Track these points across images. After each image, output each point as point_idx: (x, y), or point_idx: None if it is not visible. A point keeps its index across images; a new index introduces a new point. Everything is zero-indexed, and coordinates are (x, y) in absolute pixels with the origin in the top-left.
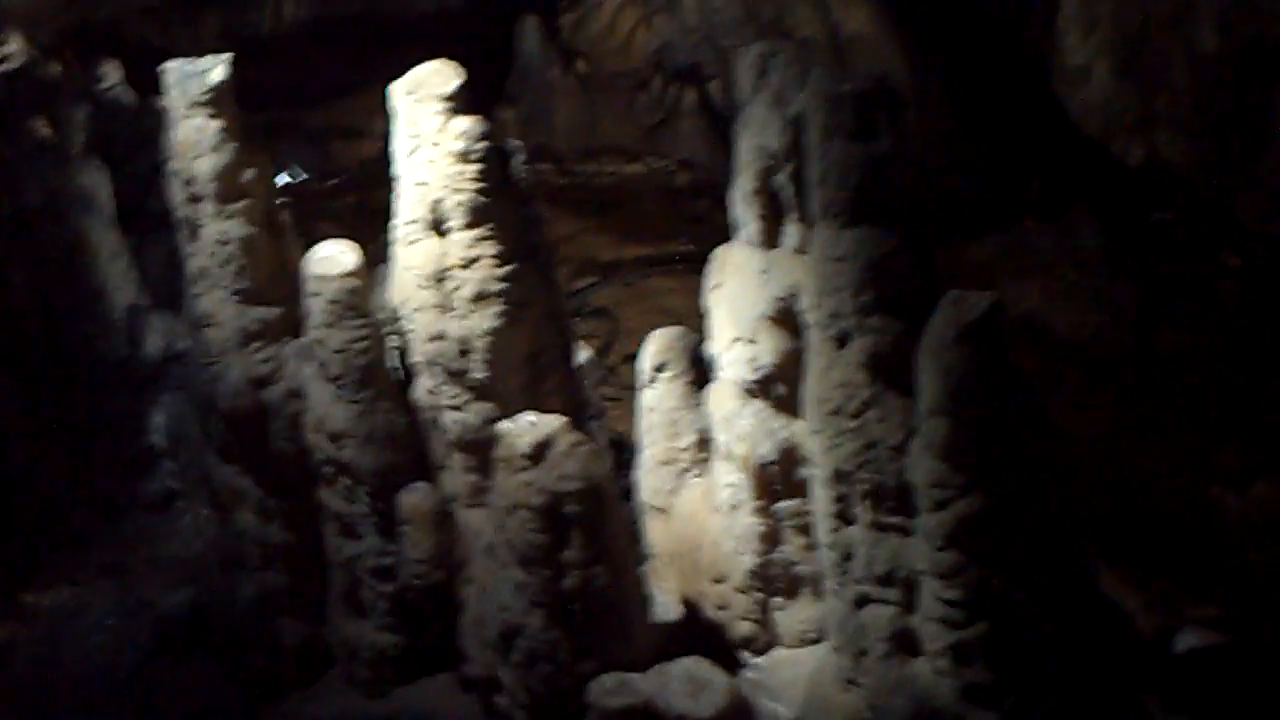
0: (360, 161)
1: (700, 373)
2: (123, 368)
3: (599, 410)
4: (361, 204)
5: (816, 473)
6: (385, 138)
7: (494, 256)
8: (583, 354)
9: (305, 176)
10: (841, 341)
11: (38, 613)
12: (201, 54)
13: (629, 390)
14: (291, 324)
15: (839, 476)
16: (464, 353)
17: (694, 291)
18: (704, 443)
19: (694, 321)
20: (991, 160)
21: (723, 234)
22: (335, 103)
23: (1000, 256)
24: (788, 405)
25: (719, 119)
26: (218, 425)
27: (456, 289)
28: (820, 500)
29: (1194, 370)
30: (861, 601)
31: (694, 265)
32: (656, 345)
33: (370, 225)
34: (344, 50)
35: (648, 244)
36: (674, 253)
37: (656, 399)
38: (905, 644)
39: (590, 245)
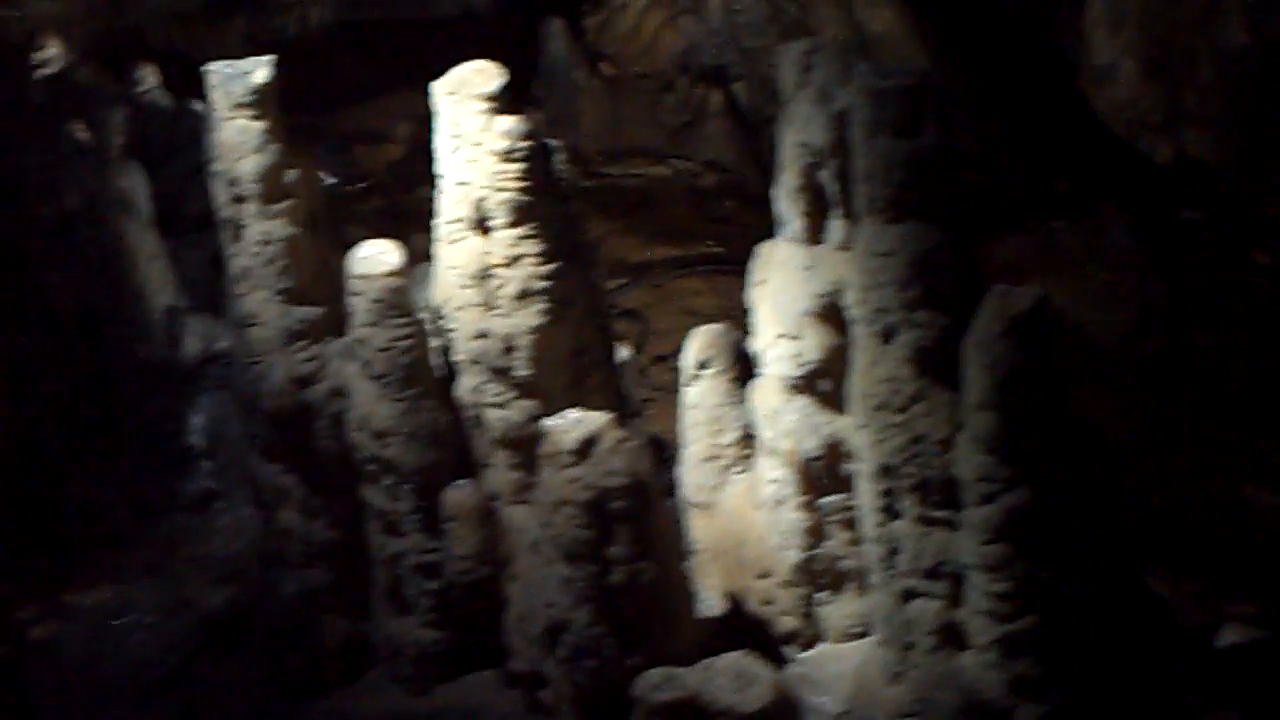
0: (386, 165)
1: (743, 369)
2: (161, 369)
3: (637, 408)
4: (389, 208)
5: (862, 467)
6: (410, 142)
7: (537, 255)
8: (622, 352)
9: (333, 181)
10: (887, 336)
11: (79, 612)
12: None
13: (660, 390)
14: (335, 323)
15: (885, 471)
16: (508, 350)
17: (722, 293)
18: (747, 439)
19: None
20: (1018, 159)
21: (750, 235)
22: (359, 107)
23: (1029, 256)
24: (833, 401)
25: (745, 120)
26: (261, 424)
27: (500, 287)
28: (866, 495)
29: (1226, 368)
30: (908, 595)
31: (721, 266)
32: (699, 342)
33: (398, 228)
34: (368, 55)
35: (675, 245)
36: (701, 254)
37: (699, 396)
38: (952, 638)
39: (617, 247)
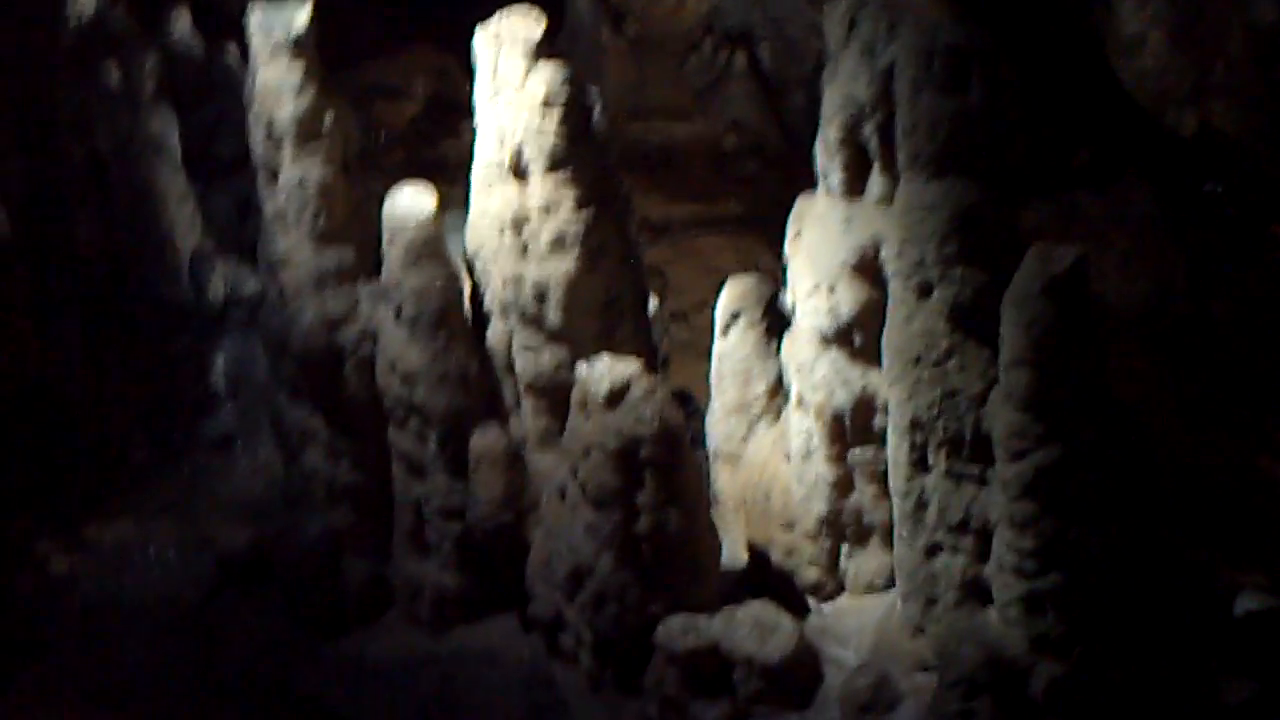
0: (407, 119)
1: (775, 321)
2: (186, 311)
3: (664, 359)
4: (409, 161)
5: (893, 422)
6: (428, 98)
7: (573, 202)
8: (653, 303)
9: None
10: (924, 291)
11: (99, 547)
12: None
13: (680, 346)
14: (366, 266)
15: (916, 425)
16: (540, 297)
17: (743, 252)
18: (776, 391)
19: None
20: (1044, 127)
21: (772, 196)
22: (376, 62)
23: (1051, 224)
24: (865, 355)
25: (768, 83)
26: (290, 366)
27: (534, 234)
28: (895, 449)
29: (1245, 340)
30: (933, 550)
31: (742, 226)
32: (732, 293)
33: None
34: (386, 10)
35: (696, 204)
36: (722, 214)
37: (730, 347)
38: (976, 593)
39: (639, 204)
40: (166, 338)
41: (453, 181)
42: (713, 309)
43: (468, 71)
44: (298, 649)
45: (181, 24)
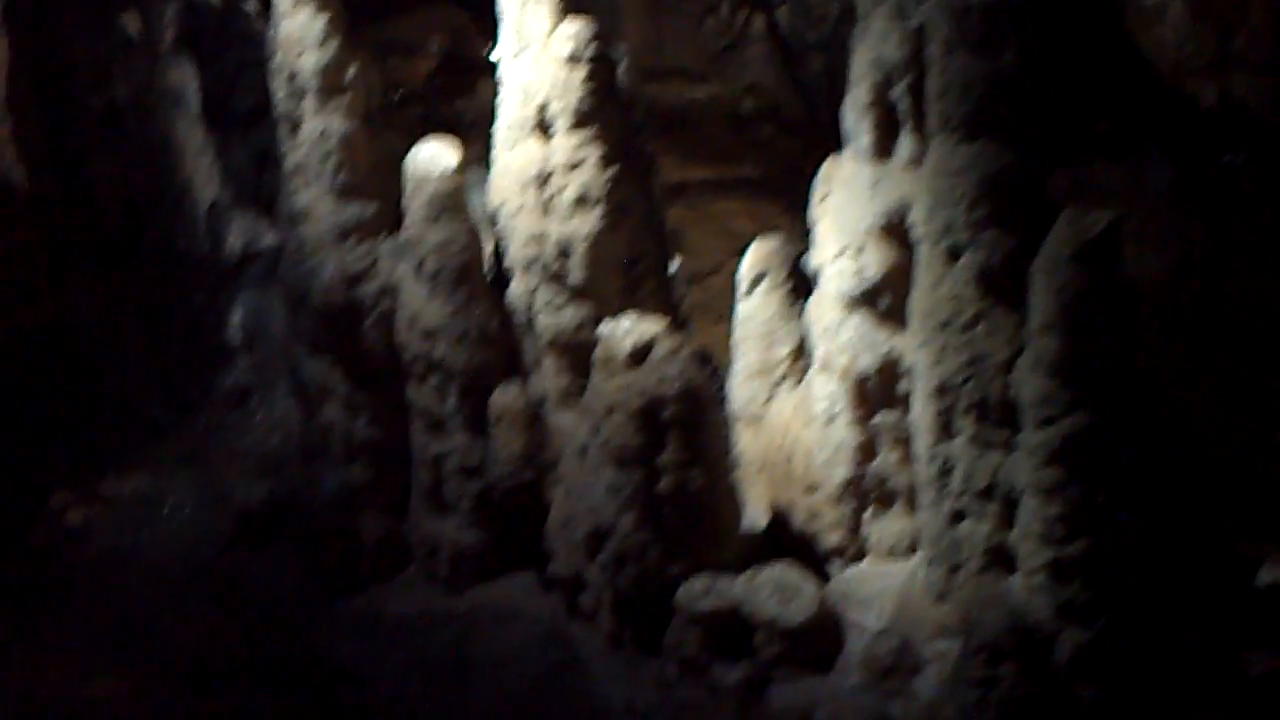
0: (423, 76)
1: (799, 284)
2: (203, 263)
3: (686, 319)
4: (425, 117)
5: (919, 386)
6: (443, 54)
7: (598, 159)
8: (675, 263)
9: None
10: (953, 255)
11: (114, 500)
12: None
13: (696, 308)
14: (388, 221)
15: (943, 390)
16: (563, 255)
17: (759, 215)
18: (799, 354)
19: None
20: (1069, 94)
21: (787, 161)
22: (393, 19)
23: (1068, 194)
24: (891, 318)
25: (786, 46)
26: (309, 320)
27: (558, 191)
28: (921, 414)
29: (1262, 313)
30: (958, 516)
31: (758, 190)
32: (757, 254)
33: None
34: None
35: (712, 167)
36: (739, 177)
37: (753, 308)
38: (1001, 560)
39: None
40: (183, 290)
41: (468, 140)
42: (730, 273)
43: (484, 29)
44: (313, 605)
45: None
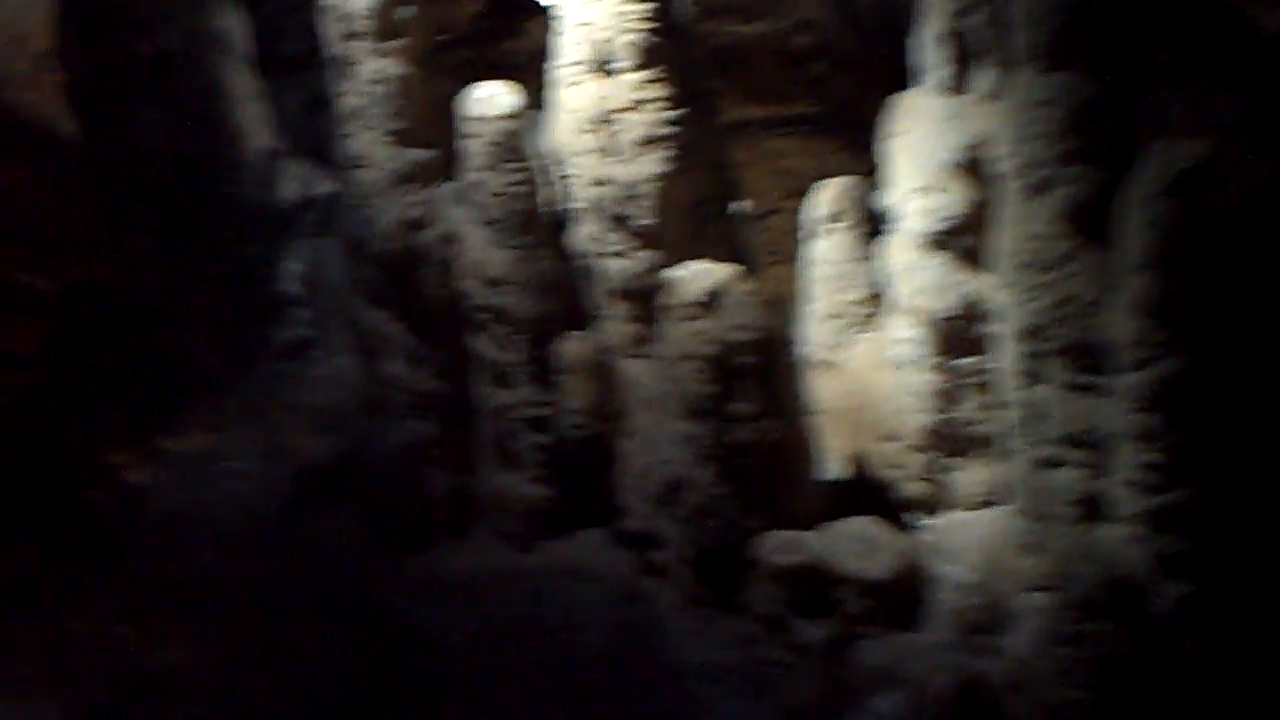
0: (469, 18)
1: (871, 225)
2: (257, 213)
3: (756, 263)
4: (474, 61)
5: (1004, 329)
6: None
7: (663, 99)
8: (742, 205)
9: None
10: (1039, 191)
11: (174, 458)
12: None
13: (760, 250)
14: (446, 166)
15: (1031, 333)
16: (629, 198)
17: (815, 154)
18: (873, 298)
19: (823, 171)
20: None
21: (843, 97)
22: None
23: (1158, 125)
24: (973, 258)
25: None
26: (368, 270)
27: (622, 132)
28: (1008, 357)
29: None
30: (1050, 463)
31: (815, 128)
32: (828, 195)
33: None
34: None
35: (766, 105)
36: (795, 114)
37: (826, 250)
38: (1094, 509)
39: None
40: (237, 241)
41: (519, 82)
42: (790, 213)
43: None
44: (380, 564)
45: None
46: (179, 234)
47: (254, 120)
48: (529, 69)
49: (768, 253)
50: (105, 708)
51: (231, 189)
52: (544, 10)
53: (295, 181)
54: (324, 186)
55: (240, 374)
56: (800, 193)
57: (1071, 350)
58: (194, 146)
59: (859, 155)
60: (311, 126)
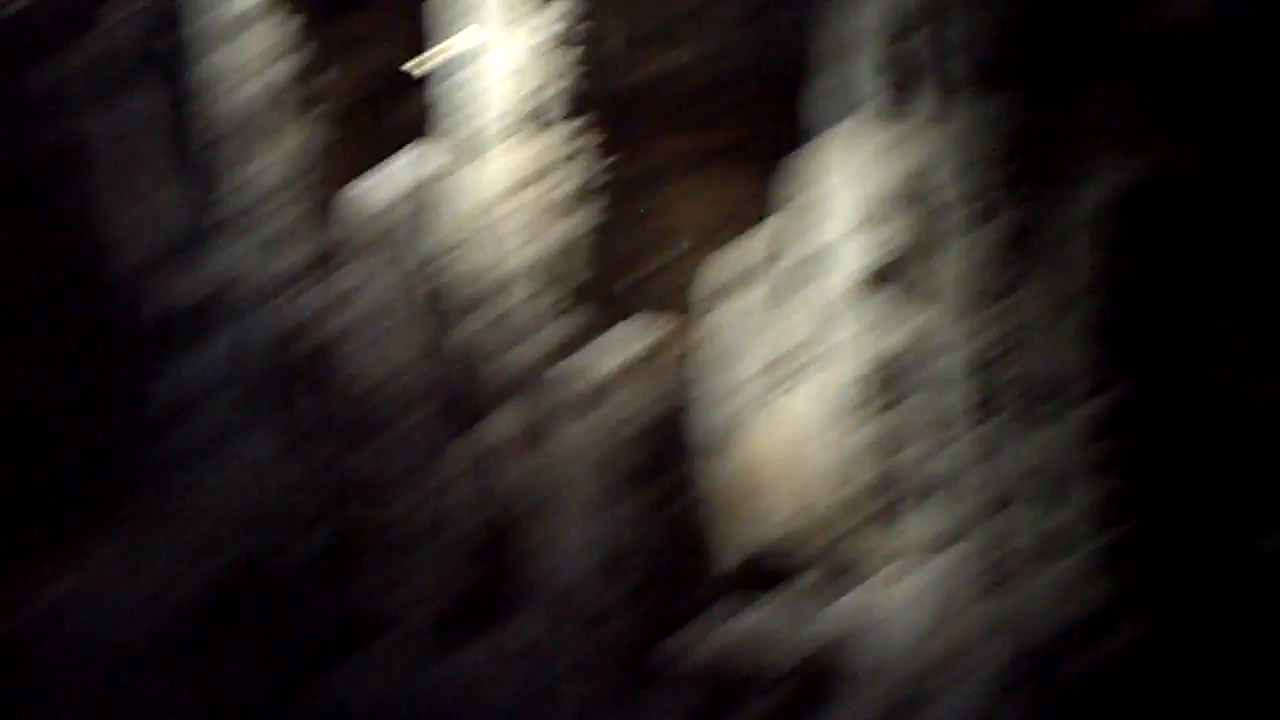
0: (366, 82)
1: (786, 278)
2: (137, 322)
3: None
4: (375, 125)
5: (952, 363)
6: (392, 55)
7: (577, 163)
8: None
9: None
10: (984, 217)
11: (74, 585)
12: None
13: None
14: (337, 259)
15: (973, 370)
16: (542, 270)
17: (739, 188)
18: (789, 356)
19: (743, 221)
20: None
21: (763, 124)
22: (335, 20)
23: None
24: (917, 293)
25: (750, 8)
26: (260, 374)
27: (535, 201)
28: (947, 399)
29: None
30: (1002, 501)
31: (737, 157)
32: (728, 259)
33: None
34: None
35: (685, 137)
36: (715, 145)
37: (731, 315)
38: (1051, 546)
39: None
40: (119, 352)
41: (420, 144)
42: (718, 248)
43: (435, 25)
44: (271, 695)
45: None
46: (55, 349)
47: (128, 227)
48: (431, 131)
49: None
50: None
51: (109, 298)
52: (448, 69)
53: (176, 285)
54: (207, 288)
55: (118, 497)
56: (726, 227)
57: (1025, 381)
58: (66, 257)
59: (784, 183)
60: (209, 217)
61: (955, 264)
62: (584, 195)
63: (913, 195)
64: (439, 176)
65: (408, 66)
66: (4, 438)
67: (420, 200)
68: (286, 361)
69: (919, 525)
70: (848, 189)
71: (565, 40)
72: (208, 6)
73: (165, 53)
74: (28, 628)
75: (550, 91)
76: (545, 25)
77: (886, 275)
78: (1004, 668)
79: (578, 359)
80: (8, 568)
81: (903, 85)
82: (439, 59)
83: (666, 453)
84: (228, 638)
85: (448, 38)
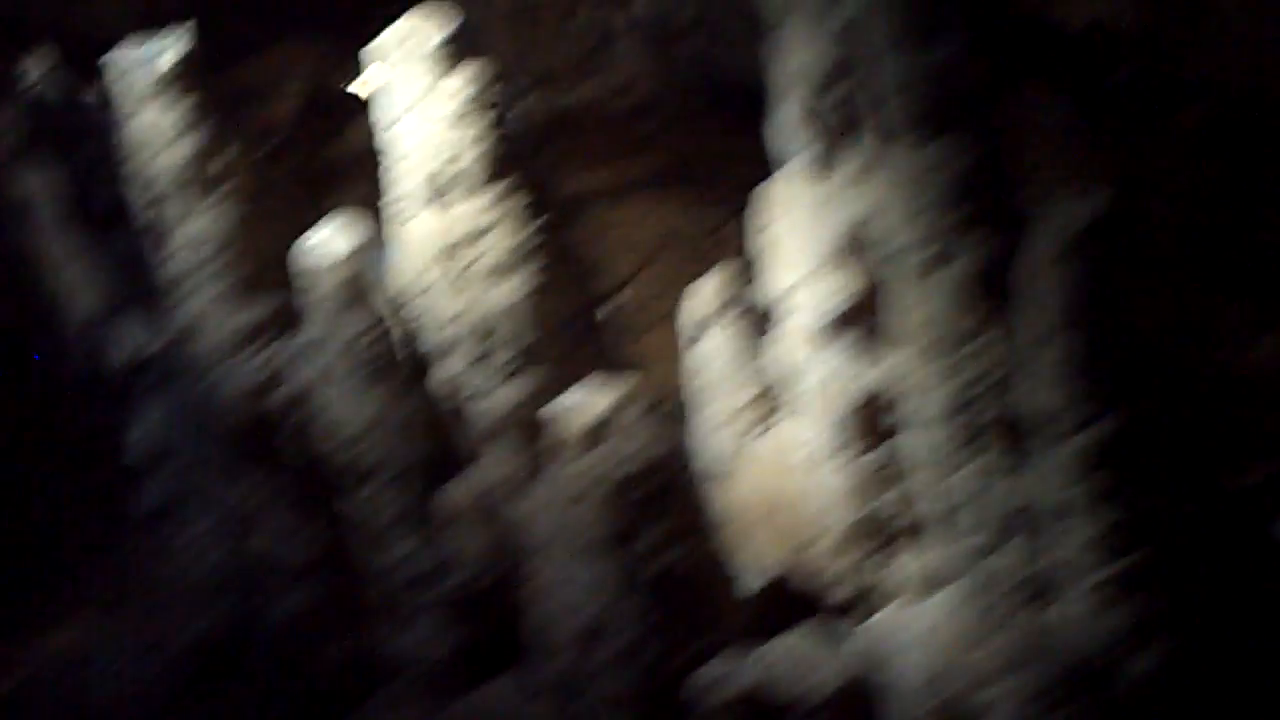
0: (285, 123)
1: (750, 323)
2: (88, 381)
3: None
4: (294, 172)
5: (920, 413)
6: (307, 98)
7: (512, 219)
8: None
9: None
10: (936, 264)
11: (39, 661)
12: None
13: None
14: (287, 319)
15: (950, 413)
16: (488, 332)
17: (659, 215)
18: (763, 397)
19: (673, 248)
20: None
21: (676, 154)
22: (244, 64)
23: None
24: (870, 345)
25: (653, 36)
26: (217, 441)
27: (470, 264)
28: (924, 443)
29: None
30: (990, 546)
31: (654, 188)
32: (696, 300)
33: (314, 193)
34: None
35: (601, 172)
36: (629, 179)
37: (704, 358)
38: (1045, 588)
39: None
40: (72, 413)
41: (345, 186)
42: (647, 283)
43: (350, 64)
44: None
45: (37, 68)
46: (5, 414)
47: (70, 284)
48: (355, 172)
49: (627, 330)
50: None
51: (56, 359)
52: (363, 105)
53: (124, 344)
54: (156, 344)
55: (96, 556)
56: (652, 259)
57: (995, 426)
58: (9, 320)
59: (704, 211)
60: (136, 282)
61: (920, 307)
62: (525, 251)
63: (856, 247)
64: (372, 241)
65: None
66: None
67: (360, 262)
68: (258, 414)
69: (929, 553)
70: (789, 246)
71: (482, 103)
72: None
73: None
74: (23, 688)
75: (473, 154)
76: (460, 89)
77: (849, 319)
78: (1025, 696)
79: (559, 403)
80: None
81: (830, 137)
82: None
83: (662, 492)
84: (227, 691)
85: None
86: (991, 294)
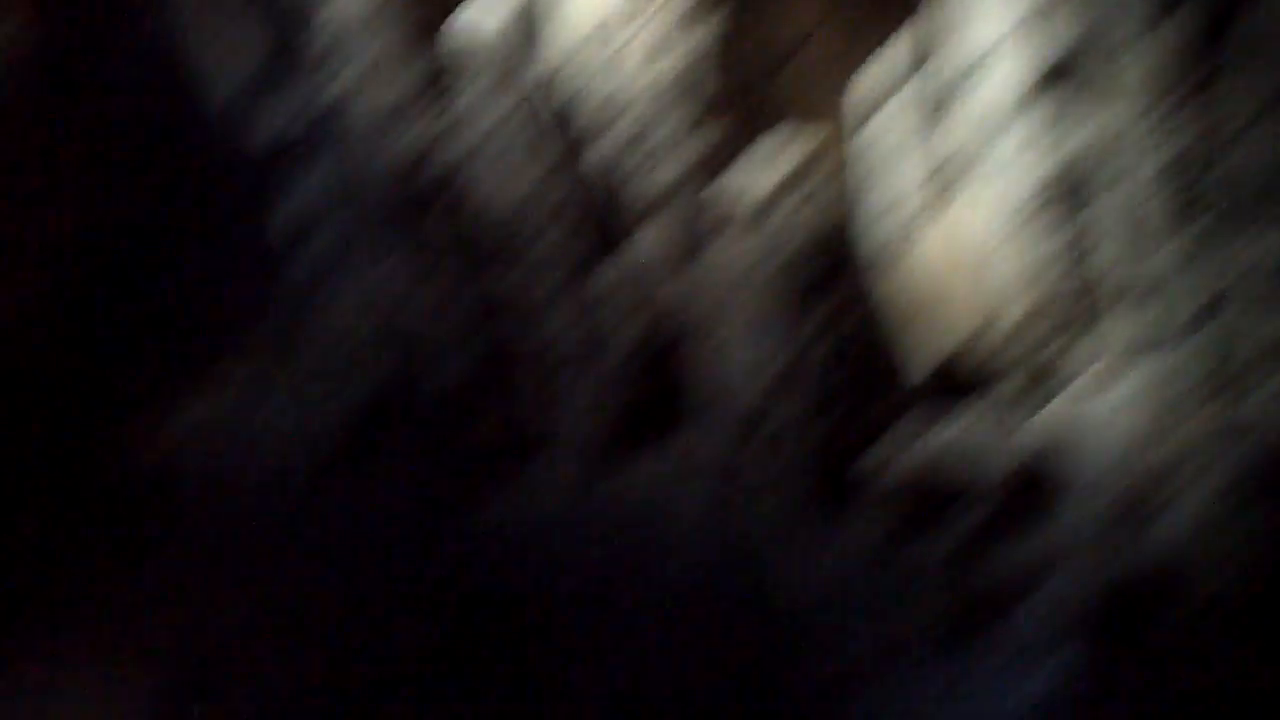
0: None
1: (928, 94)
2: (241, 152)
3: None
4: None
5: (1142, 166)
6: None
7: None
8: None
9: None
10: (1171, 6)
11: (197, 422)
12: None
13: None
14: (444, 92)
15: (1179, 166)
16: (644, 111)
17: None
18: (941, 170)
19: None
20: None
21: None
22: None
23: None
24: (1092, 92)
25: None
26: (370, 215)
27: (629, 41)
28: (1139, 206)
29: None
30: (1190, 325)
31: None
32: (874, 71)
33: None
34: None
35: None
36: None
37: (876, 133)
38: (1240, 376)
39: None
40: (224, 184)
41: None
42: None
43: None
44: (435, 518)
45: None
46: (161, 182)
47: (225, 56)
48: None
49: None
50: (185, 680)
51: (211, 130)
52: None
53: (277, 115)
54: (308, 116)
55: (245, 324)
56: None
57: (1231, 178)
58: (162, 90)
59: None
60: (291, 53)
61: (1141, 59)
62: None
63: None
64: (524, 17)
65: None
66: (127, 270)
67: (531, 20)
68: (413, 186)
69: (1123, 330)
70: None
71: None
72: None
73: None
74: (170, 458)
75: None
76: None
77: (1060, 74)
78: (1231, 479)
79: (730, 174)
80: (145, 398)
81: None
82: None
83: (835, 265)
84: (378, 463)
85: None
86: (1235, 36)
